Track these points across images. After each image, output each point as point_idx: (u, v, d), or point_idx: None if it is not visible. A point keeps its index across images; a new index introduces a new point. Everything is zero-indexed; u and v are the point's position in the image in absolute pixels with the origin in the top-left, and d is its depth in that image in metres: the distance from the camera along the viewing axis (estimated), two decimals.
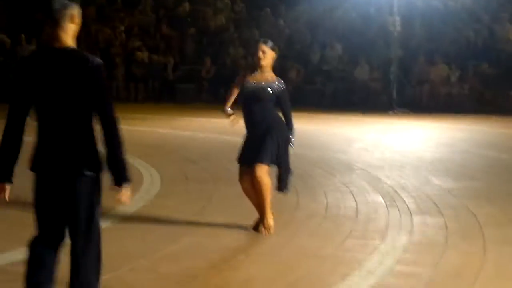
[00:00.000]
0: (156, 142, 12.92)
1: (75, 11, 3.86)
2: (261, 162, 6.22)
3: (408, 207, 7.26)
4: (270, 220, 6.38)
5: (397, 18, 19.04)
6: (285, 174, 6.42)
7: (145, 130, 14.80)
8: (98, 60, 3.84)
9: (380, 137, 13.22)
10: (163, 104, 21.35)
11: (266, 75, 6.33)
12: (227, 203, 7.54)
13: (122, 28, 25.70)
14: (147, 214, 7.07)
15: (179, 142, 12.99)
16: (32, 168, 3.86)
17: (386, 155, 10.86)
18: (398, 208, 7.22)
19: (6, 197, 3.86)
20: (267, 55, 6.29)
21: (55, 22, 3.80)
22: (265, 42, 6.34)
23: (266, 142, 6.22)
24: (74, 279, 3.85)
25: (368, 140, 12.72)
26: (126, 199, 3.85)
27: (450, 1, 21.46)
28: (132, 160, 10.36)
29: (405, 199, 7.64)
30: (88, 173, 3.80)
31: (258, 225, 6.44)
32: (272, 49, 6.34)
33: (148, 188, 8.39)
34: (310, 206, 7.40)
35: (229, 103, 6.56)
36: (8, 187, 3.86)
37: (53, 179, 3.81)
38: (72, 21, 3.86)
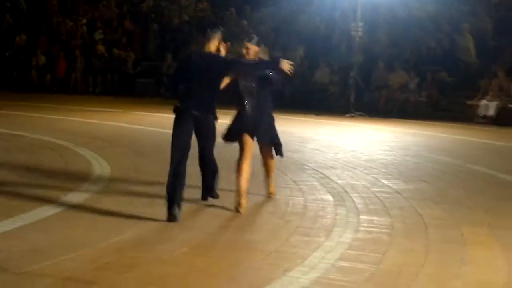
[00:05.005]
0: (110, 135, 12.81)
1: (219, 36, 6.83)
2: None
3: (356, 206, 7.28)
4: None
5: (360, 24, 19.15)
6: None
7: (100, 123, 14.70)
8: (220, 56, 6.84)
9: (334, 138, 13.29)
10: (121, 98, 21.17)
11: None
12: None
13: (84, 21, 25.50)
14: (95, 205, 7.00)
15: (133, 136, 12.91)
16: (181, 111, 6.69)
17: (338, 156, 10.89)
18: (346, 207, 7.23)
19: None
20: (251, 51, 7.08)
21: (207, 39, 6.83)
22: (249, 40, 7.14)
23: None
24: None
25: (322, 141, 12.77)
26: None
27: (414, 10, 21.66)
28: (83, 152, 10.31)
29: (354, 198, 7.66)
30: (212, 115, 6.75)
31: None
32: (257, 44, 7.12)
33: (98, 179, 8.31)
34: (258, 202, 7.38)
35: None
36: None
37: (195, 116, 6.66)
38: (215, 41, 6.80)
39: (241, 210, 6.83)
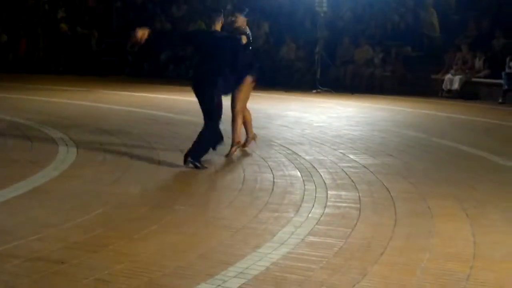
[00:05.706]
0: (75, 114, 12.67)
1: (221, 17, 8.22)
2: None
3: (324, 181, 7.31)
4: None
5: None
6: None
7: (64, 102, 14.54)
8: (224, 33, 8.32)
9: (301, 114, 13.29)
10: (85, 77, 20.92)
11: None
12: (143, 174, 7.46)
13: None
14: (62, 184, 6.95)
15: (99, 114, 12.78)
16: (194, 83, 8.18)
17: (306, 132, 10.91)
18: (314, 182, 7.26)
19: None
20: (238, 20, 8.69)
21: (213, 21, 8.22)
22: (237, 11, 9.05)
23: None
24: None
25: (289, 117, 12.77)
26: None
27: None
28: (48, 131, 10.18)
29: (322, 174, 7.69)
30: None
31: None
32: (242, 15, 8.77)
33: (63, 158, 8.21)
34: (226, 179, 7.38)
35: None
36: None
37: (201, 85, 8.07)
38: (219, 22, 8.21)
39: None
